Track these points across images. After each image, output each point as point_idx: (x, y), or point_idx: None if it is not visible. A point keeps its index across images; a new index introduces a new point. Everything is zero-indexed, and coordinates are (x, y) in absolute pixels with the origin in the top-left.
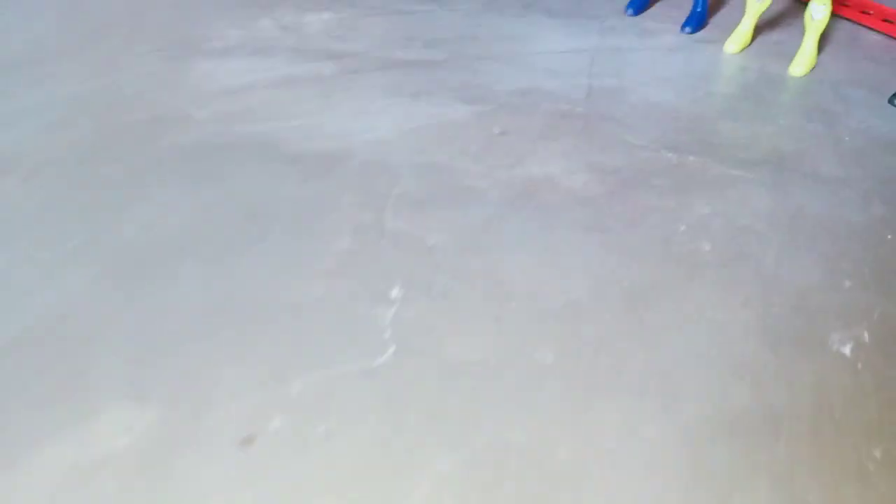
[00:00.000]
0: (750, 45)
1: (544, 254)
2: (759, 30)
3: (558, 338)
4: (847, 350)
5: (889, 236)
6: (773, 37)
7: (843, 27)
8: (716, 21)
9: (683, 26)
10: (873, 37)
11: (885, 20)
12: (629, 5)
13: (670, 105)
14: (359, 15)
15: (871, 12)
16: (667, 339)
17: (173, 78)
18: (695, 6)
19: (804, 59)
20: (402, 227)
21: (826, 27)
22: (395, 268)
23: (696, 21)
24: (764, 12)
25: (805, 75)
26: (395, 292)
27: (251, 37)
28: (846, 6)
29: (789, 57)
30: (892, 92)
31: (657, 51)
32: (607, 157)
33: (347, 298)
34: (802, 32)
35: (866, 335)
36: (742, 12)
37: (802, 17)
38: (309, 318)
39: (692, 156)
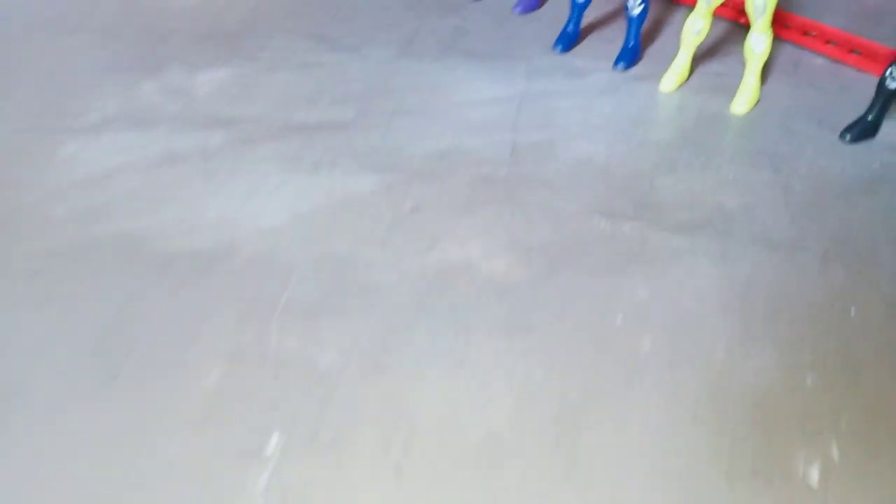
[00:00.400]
0: (688, 79)
1: (459, 370)
2: (696, 60)
3: (473, 487)
4: (814, 477)
5: (852, 310)
6: (712, 67)
7: (785, 51)
8: (651, 53)
9: (616, 63)
10: (817, 60)
11: (828, 42)
12: (557, 42)
13: (603, 160)
14: (259, 70)
15: (814, 33)
16: (602, 474)
17: (32, 165)
18: (627, 41)
19: (746, 94)
20: (288, 347)
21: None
22: (276, 407)
23: (630, 57)
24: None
25: (748, 112)
26: (271, 445)
27: (131, 106)
28: (787, 28)
29: (731, 91)
30: (841, 124)
31: (588, 94)
32: (533, 230)
33: (211, 457)
34: (743, 62)
35: (835, 452)
36: (678, 43)
37: (742, 44)
38: (159, 489)
39: (628, 222)
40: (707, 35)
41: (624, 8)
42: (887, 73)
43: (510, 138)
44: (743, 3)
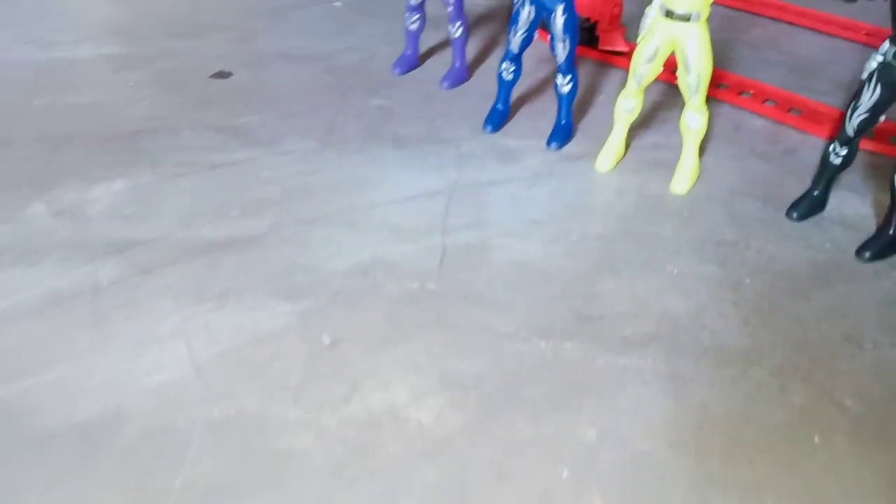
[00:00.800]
0: (624, 155)
1: None
2: (632, 129)
3: None
4: None
5: (816, 437)
6: (648, 138)
7: (724, 113)
8: (584, 127)
9: (549, 142)
10: (757, 122)
11: (765, 101)
12: (487, 121)
13: (539, 262)
14: (163, 177)
15: (751, 92)
16: None
17: None
18: (558, 118)
19: (685, 173)
20: None
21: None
22: None
23: (562, 135)
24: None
25: (689, 191)
26: None
27: (14, 234)
28: (724, 89)
29: (670, 165)
30: (787, 198)
31: (522, 181)
32: (467, 360)
33: None
34: (680, 135)
35: None
36: (611, 115)
37: (677, 106)
38: None
39: (569, 341)
40: (638, 113)
41: (553, 85)
42: (830, 148)
43: (439, 243)
44: (675, 64)
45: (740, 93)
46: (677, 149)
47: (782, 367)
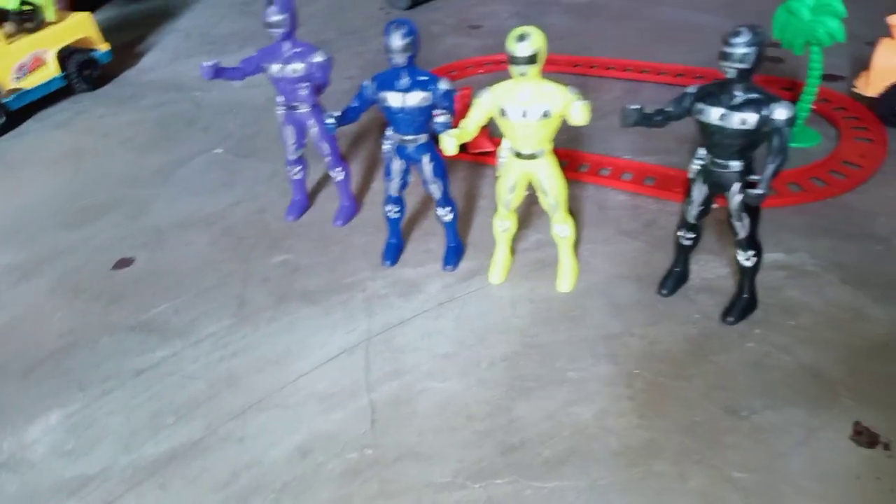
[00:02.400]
0: (513, 263)
1: None
2: (515, 238)
3: None
4: None
5: None
6: (530, 237)
7: (588, 195)
8: (473, 238)
9: (444, 265)
10: (619, 197)
11: (622, 175)
12: (385, 257)
13: (460, 399)
14: (91, 400)
15: (610, 169)
16: None
17: None
18: (448, 242)
19: (567, 273)
20: None
21: (572, 198)
22: None
23: (454, 256)
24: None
25: (574, 287)
26: None
27: None
28: (583, 172)
29: (554, 264)
30: (657, 275)
31: (427, 314)
32: None
33: None
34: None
35: None
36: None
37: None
38: None
39: (499, 478)
40: (516, 229)
41: (436, 215)
42: (680, 233)
43: (367, 402)
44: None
45: (599, 171)
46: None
47: (678, 455)
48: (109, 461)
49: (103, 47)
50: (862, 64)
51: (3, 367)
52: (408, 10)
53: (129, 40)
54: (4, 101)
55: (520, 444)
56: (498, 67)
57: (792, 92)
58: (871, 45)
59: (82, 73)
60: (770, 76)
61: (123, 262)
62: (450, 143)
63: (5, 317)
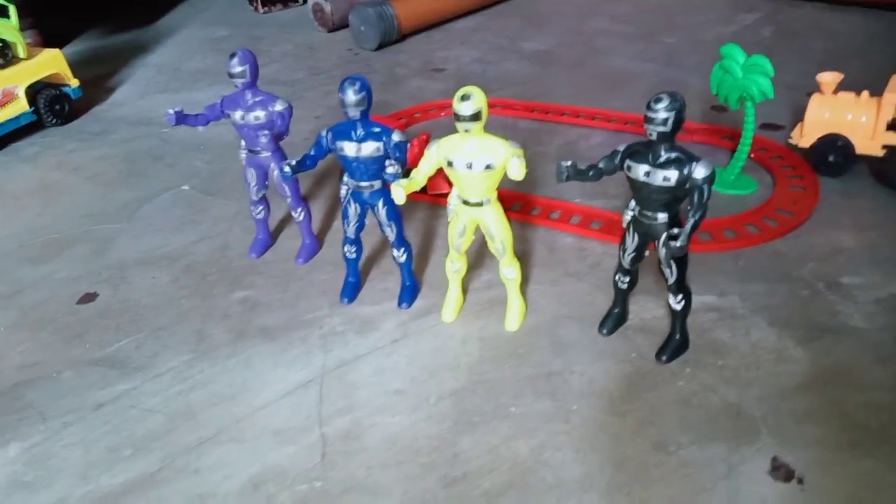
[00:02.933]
0: (464, 302)
1: None
2: (467, 278)
3: None
4: None
5: None
6: (482, 277)
7: (539, 237)
8: (428, 277)
9: (399, 303)
10: (567, 240)
11: (571, 218)
12: (343, 295)
13: (408, 433)
14: (52, 433)
15: (559, 212)
16: None
17: None
18: (403, 281)
19: (514, 313)
20: None
21: (523, 239)
22: None
23: (409, 295)
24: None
25: (521, 326)
26: None
27: None
28: (534, 214)
29: (504, 303)
30: (599, 314)
31: (381, 351)
32: None
33: None
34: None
35: None
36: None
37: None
38: None
39: None
40: (466, 270)
41: (392, 257)
42: (616, 277)
43: (318, 436)
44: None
45: (549, 214)
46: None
47: (609, 488)
48: (66, 492)
49: (74, 83)
50: (800, 114)
51: None
52: (375, 51)
53: (99, 74)
54: None
55: (462, 477)
56: (436, 114)
57: (733, 140)
58: (810, 95)
59: (52, 108)
60: (713, 125)
61: (87, 297)
62: (398, 193)
63: None
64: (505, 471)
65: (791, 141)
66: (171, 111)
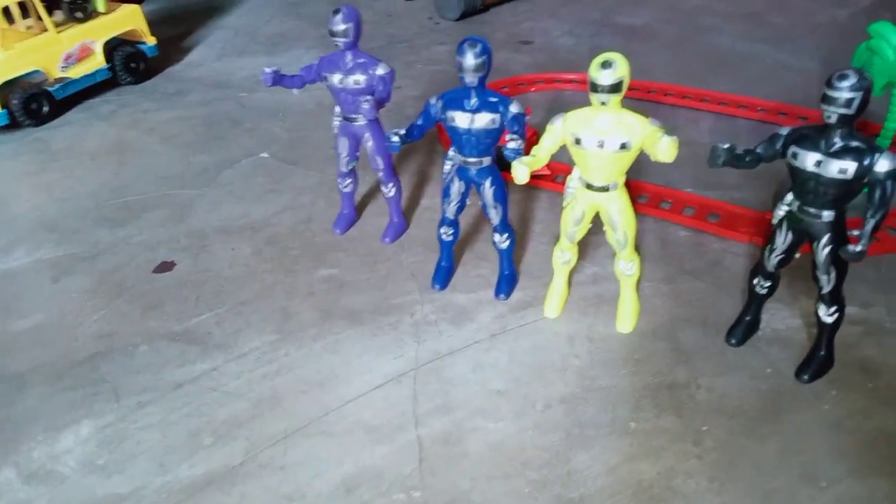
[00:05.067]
0: (568, 297)
1: None
2: (572, 270)
3: None
4: None
5: None
6: (586, 271)
7: (648, 227)
8: (526, 268)
9: (497, 293)
10: (680, 233)
11: (684, 209)
12: (435, 280)
13: (514, 442)
14: (126, 412)
15: (671, 202)
16: None
17: None
18: (501, 270)
19: (627, 312)
20: None
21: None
22: None
23: (508, 285)
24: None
25: (635, 328)
26: None
27: None
28: (642, 202)
29: (612, 301)
30: (724, 319)
31: (479, 345)
32: None
33: None
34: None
35: None
36: (549, 251)
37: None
38: None
39: None
40: (576, 261)
41: (492, 241)
42: (755, 281)
43: (414, 438)
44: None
45: (660, 203)
46: (614, 279)
47: None
48: (143, 481)
49: (150, 41)
50: None
51: (37, 368)
52: (457, 21)
53: (175, 34)
54: (50, 89)
55: (578, 501)
56: (550, 86)
57: (865, 132)
58: None
59: (128, 65)
60: None
61: (165, 266)
62: (522, 172)
63: (41, 315)
64: (629, 497)
65: None
66: (267, 70)
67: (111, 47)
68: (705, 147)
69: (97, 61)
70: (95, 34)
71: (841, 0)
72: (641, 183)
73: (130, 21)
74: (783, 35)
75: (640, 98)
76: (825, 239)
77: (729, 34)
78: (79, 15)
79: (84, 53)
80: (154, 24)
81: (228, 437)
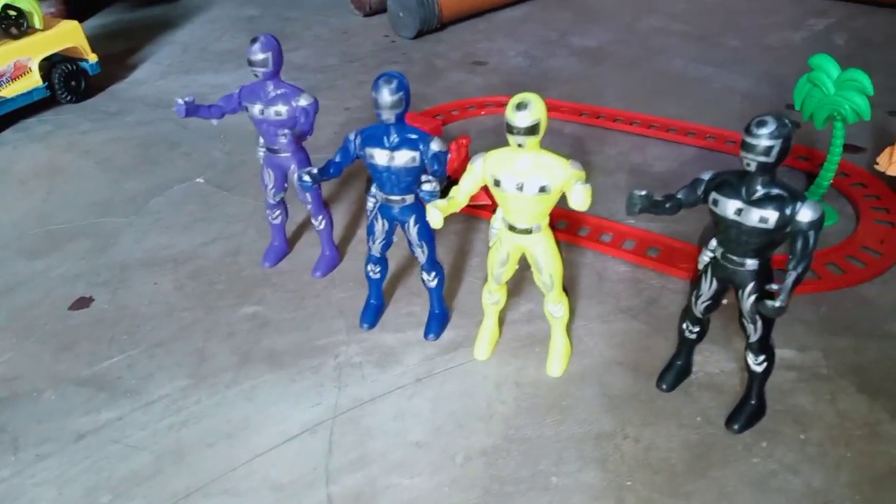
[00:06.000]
0: (500, 338)
1: None
2: (505, 308)
3: None
4: None
5: None
6: (521, 307)
7: (587, 261)
8: (459, 304)
9: (426, 334)
10: (619, 268)
11: (624, 243)
12: (363, 319)
13: (428, 501)
14: (23, 467)
15: (611, 235)
16: None
17: None
18: (432, 309)
19: (558, 355)
20: None
21: (570, 264)
22: None
23: (438, 325)
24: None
25: (564, 372)
26: None
27: None
28: (582, 235)
29: (544, 341)
30: (656, 363)
31: (403, 390)
32: None
33: None
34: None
35: None
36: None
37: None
38: None
39: None
40: (505, 301)
41: (421, 279)
42: (684, 325)
43: (324, 497)
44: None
45: (600, 237)
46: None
47: None
48: None
49: (92, 58)
50: (884, 135)
51: None
52: (413, 39)
53: (122, 49)
54: None
55: None
56: (500, 110)
57: (809, 162)
58: (894, 114)
59: (68, 83)
60: None
61: (82, 302)
62: (436, 216)
63: None
64: None
65: (877, 167)
66: (180, 101)
67: (50, 65)
68: (650, 176)
69: (33, 80)
70: (31, 51)
71: (796, 23)
72: (582, 214)
73: (69, 38)
74: (735, 57)
75: (588, 123)
76: (749, 287)
77: (681, 56)
78: (13, 31)
79: (19, 71)
80: (102, 38)
81: (126, 496)
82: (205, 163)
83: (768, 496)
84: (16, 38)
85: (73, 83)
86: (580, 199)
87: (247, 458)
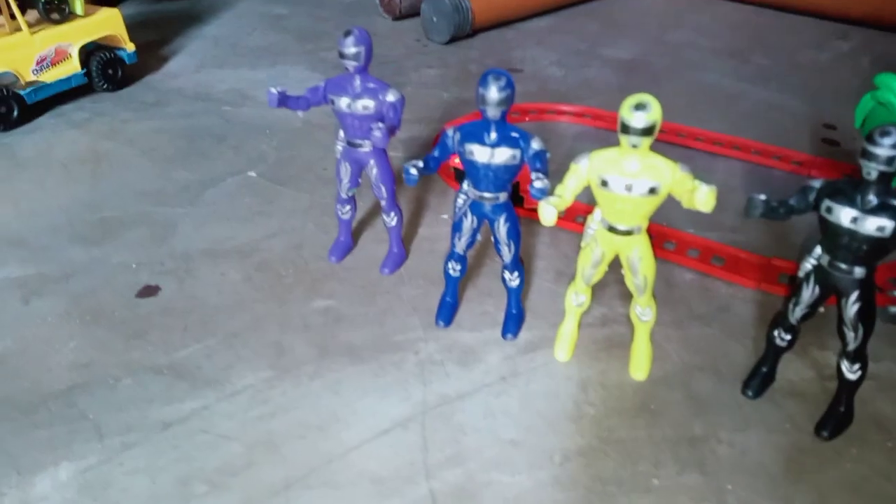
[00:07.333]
0: (578, 339)
1: None
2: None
3: None
4: None
5: None
6: (595, 311)
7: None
8: (532, 305)
9: (504, 333)
10: (686, 275)
11: (688, 251)
12: (439, 316)
13: (533, 499)
14: (110, 455)
15: (675, 243)
16: None
17: None
18: (509, 308)
19: (641, 360)
20: None
21: None
22: None
23: (515, 325)
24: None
25: (648, 375)
26: None
27: None
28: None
29: (623, 345)
30: (736, 369)
31: (490, 389)
32: None
33: None
34: (624, 305)
35: None
36: (555, 291)
37: (615, 274)
38: None
39: None
40: (589, 304)
41: (501, 279)
42: (775, 333)
43: (427, 491)
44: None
45: (663, 244)
46: (623, 321)
47: None
48: None
49: (129, 47)
50: None
51: (6, 399)
52: (445, 44)
53: (151, 40)
54: (21, 92)
55: None
56: (543, 117)
57: None
58: None
59: (105, 71)
60: (829, 159)
61: (149, 290)
62: (549, 213)
63: (9, 341)
64: None
65: None
66: (273, 90)
67: (88, 52)
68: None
69: (73, 66)
70: (72, 37)
71: (820, 44)
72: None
73: (109, 26)
74: (767, 74)
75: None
76: (854, 295)
77: (714, 71)
78: (55, 16)
79: (59, 57)
80: (129, 28)
81: (223, 487)
82: (254, 157)
83: (865, 501)
84: (57, 23)
85: (110, 71)
86: (706, 201)
87: (341, 452)
